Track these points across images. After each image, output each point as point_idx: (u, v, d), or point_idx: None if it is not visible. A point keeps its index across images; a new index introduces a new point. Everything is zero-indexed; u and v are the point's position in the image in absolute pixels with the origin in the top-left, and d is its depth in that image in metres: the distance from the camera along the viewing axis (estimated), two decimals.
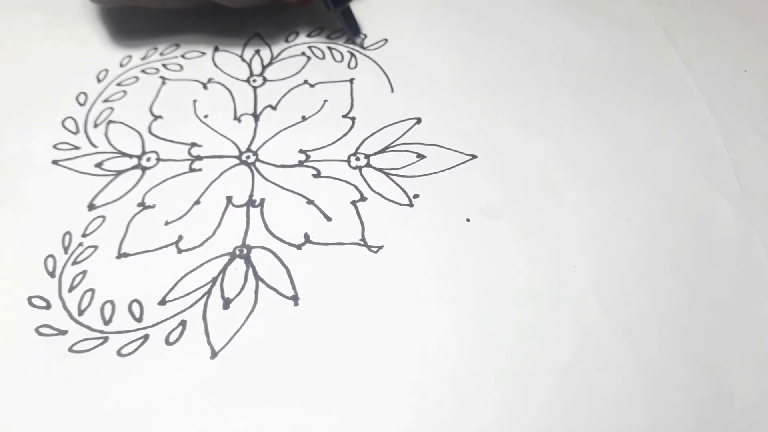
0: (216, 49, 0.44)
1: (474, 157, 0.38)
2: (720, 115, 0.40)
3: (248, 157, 0.38)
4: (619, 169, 0.37)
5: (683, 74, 0.42)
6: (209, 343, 0.31)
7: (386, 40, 0.45)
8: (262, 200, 0.36)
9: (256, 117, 0.40)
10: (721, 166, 0.37)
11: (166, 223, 0.35)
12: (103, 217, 0.35)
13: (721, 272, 0.33)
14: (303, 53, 0.44)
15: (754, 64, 0.43)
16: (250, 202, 0.36)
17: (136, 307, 0.32)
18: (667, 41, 0.44)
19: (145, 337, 0.31)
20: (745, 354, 0.30)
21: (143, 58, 0.44)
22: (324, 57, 0.44)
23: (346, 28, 0.44)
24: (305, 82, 0.42)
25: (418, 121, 0.40)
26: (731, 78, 0.42)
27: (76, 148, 0.39)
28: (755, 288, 0.32)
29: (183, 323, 0.31)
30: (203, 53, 0.44)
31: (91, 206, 0.36)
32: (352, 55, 0.44)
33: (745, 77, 0.42)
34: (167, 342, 0.31)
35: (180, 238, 0.34)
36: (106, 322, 0.31)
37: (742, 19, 0.46)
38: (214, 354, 0.30)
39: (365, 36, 0.44)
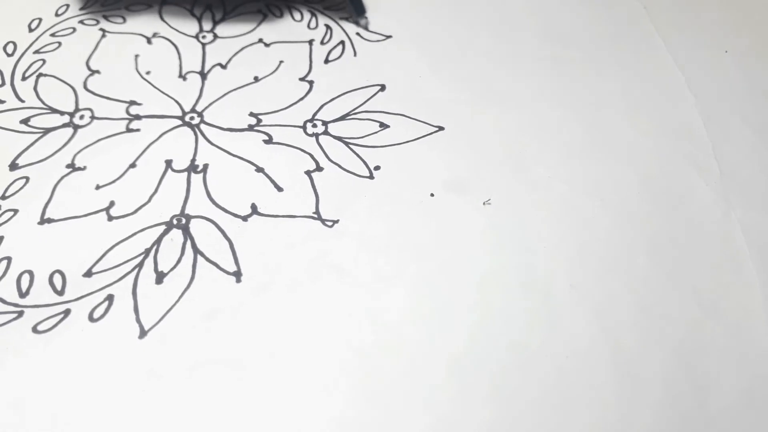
0: (164, 2, 0.42)
1: (441, 128, 0.36)
2: (699, 95, 0.39)
3: (192, 118, 0.36)
4: (595, 146, 0.36)
5: (662, 51, 0.41)
6: (138, 320, 0.29)
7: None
8: (206, 166, 0.34)
9: (203, 75, 0.38)
10: (700, 146, 0.36)
11: (98, 187, 0.33)
12: (27, 178, 0.33)
13: (699, 258, 0.32)
14: (259, 10, 0.42)
15: (735, 45, 0.42)
16: (192, 168, 0.34)
17: (57, 279, 0.30)
18: (645, 16, 0.43)
19: (66, 312, 0.29)
20: (723, 346, 0.29)
21: (82, 8, 0.41)
22: (282, 15, 0.42)
23: (350, 8, 0.41)
24: (260, 40, 0.40)
25: (382, 88, 0.38)
26: (711, 58, 0.41)
27: (1, 101, 0.36)
28: (734, 275, 0.31)
29: (110, 298, 0.29)
30: (149, 6, 0.42)
31: (13, 166, 0.34)
32: (313, 15, 0.42)
33: (726, 58, 0.41)
34: (91, 318, 0.29)
35: (111, 204, 0.32)
36: (23, 295, 0.29)
37: None
38: (143, 333, 0.28)
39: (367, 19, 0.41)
